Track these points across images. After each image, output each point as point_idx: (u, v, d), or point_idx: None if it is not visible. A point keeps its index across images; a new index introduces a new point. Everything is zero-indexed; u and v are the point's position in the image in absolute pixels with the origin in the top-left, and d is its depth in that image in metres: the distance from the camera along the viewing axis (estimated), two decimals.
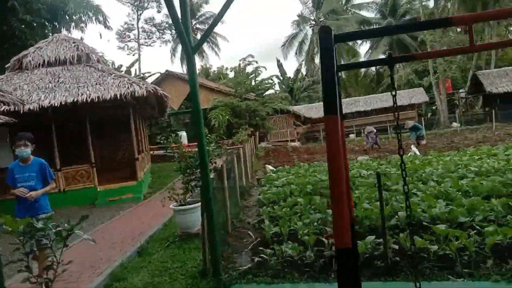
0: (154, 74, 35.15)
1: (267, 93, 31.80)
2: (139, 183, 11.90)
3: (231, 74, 43.26)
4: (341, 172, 1.74)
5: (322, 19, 46.43)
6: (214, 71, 48.46)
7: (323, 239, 5.29)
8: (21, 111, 10.20)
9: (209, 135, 7.59)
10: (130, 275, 5.16)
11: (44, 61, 13.00)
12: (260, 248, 5.47)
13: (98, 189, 11.55)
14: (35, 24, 19.98)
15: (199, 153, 4.64)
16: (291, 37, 46.62)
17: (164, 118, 28.20)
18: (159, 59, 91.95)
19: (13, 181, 4.75)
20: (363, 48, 51.32)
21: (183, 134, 25.31)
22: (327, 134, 1.78)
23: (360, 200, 7.03)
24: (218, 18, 4.51)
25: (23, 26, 18.86)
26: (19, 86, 11.65)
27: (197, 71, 38.98)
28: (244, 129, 18.87)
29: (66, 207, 10.87)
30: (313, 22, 47.47)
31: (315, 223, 6.10)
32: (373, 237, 5.11)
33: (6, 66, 14.51)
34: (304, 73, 51.79)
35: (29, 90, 11.33)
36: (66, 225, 2.67)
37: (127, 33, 49.82)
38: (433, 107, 38.91)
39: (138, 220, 8.65)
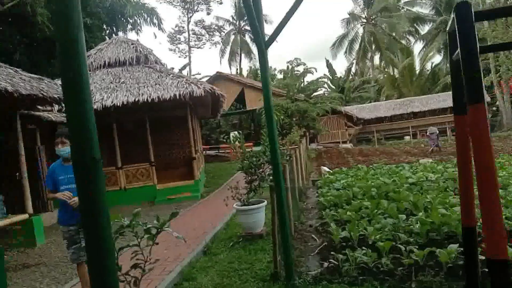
0: (205, 76, 35.73)
1: (316, 93, 31.35)
2: (196, 182, 12.01)
3: (279, 75, 43.23)
4: (493, 173, 1.49)
5: (373, 16, 45.23)
6: None
7: (400, 246, 4.97)
8: None
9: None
10: (199, 274, 5.10)
11: (105, 62, 13.47)
12: (332, 253, 5.23)
13: (157, 187, 11.78)
14: (94, 27, 20.84)
15: (270, 151, 4.49)
16: (341, 36, 45.78)
17: (214, 119, 28.58)
18: (208, 61, 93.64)
19: (54, 183, 4.30)
20: (417, 46, 49.32)
21: (234, 134, 25.53)
22: (473, 126, 1.52)
23: (433, 205, 6.61)
24: (291, 12, 4.33)
25: (83, 29, 19.72)
26: None
27: (245, 72, 39.26)
28: (296, 129, 18.62)
29: (127, 204, 11.19)
30: (364, 20, 46.36)
31: (386, 229, 5.77)
32: (456, 245, 4.73)
33: None
34: (354, 72, 50.72)
35: (92, 90, 11.74)
36: (155, 222, 2.61)
37: (178, 36, 51.00)
38: (494, 108, 36.67)
39: (199, 219, 8.66)
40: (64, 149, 4.21)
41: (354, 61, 48.59)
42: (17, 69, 7.99)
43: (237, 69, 50.96)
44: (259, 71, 46.36)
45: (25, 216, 7.78)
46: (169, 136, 14.56)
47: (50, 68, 18.84)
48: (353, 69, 50.37)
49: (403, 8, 46.40)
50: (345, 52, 46.92)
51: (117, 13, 21.33)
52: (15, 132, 8.03)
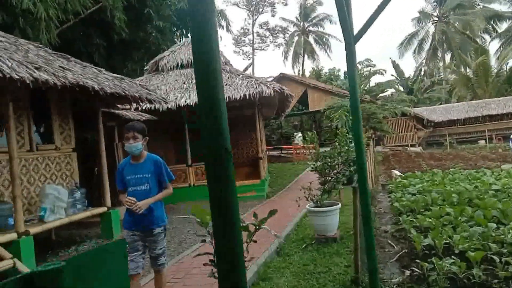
0: (268, 77, 35.85)
1: (382, 94, 30.24)
2: (262, 181, 12.03)
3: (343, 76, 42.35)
4: None
5: (446, 14, 42.89)
6: (326, 72, 47.89)
7: (493, 256, 4.57)
8: (161, 110, 10.97)
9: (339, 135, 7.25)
10: (275, 275, 5.03)
11: (177, 63, 13.93)
12: (416, 260, 4.94)
13: None
14: (166, 30, 21.63)
15: (356, 151, 4.29)
16: (411, 35, 43.92)
17: (275, 120, 28.60)
18: (271, 62, 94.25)
19: (123, 183, 3.88)
20: (493, 45, 45.86)
21: (299, 134, 25.38)
22: None
23: None
24: (383, 5, 4.13)
25: (156, 31, 20.52)
26: (158, 86, 12.60)
27: (308, 73, 38.88)
28: (364, 131, 18.03)
29: (194, 200, 11.50)
30: (436, 19, 44.10)
31: (474, 238, 5.35)
32: None
33: (145, 68, 15.91)
34: (423, 72, 48.44)
35: (166, 90, 12.19)
36: (253, 219, 2.57)
37: (243, 38, 51.77)
38: None
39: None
40: (136, 145, 3.74)
41: (424, 61, 46.40)
42: (101, 69, 8.45)
43: (299, 70, 50.77)
44: (322, 72, 45.62)
45: (104, 209, 8.20)
46: (236, 135, 14.76)
47: (125, 69, 19.88)
48: (422, 70, 48.14)
49: (479, 5, 43.50)
50: (414, 51, 44.94)
51: (187, 15, 21.97)
52: (97, 129, 8.49)
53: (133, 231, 3.82)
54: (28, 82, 5.51)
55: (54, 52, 8.12)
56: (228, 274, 1.39)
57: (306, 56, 52.00)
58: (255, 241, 2.54)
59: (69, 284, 1.19)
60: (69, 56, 8.13)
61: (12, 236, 5.91)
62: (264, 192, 11.78)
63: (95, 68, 8.27)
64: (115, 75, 8.56)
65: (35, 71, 5.84)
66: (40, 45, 8.19)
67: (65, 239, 8.26)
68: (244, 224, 2.51)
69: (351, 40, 4.13)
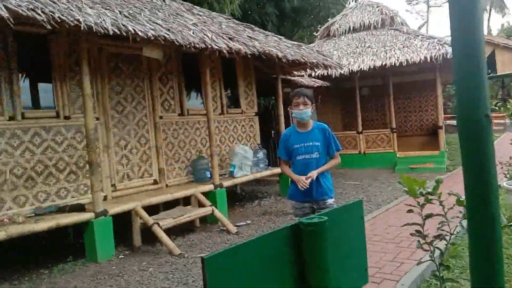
0: (445, 37, 32.25)
1: None
2: (441, 153, 11.08)
3: None
4: None
5: None
6: None
7: None
8: (333, 76, 10.94)
9: None
10: (465, 253, 4.63)
11: (349, 27, 13.55)
12: None
13: (397, 155, 11.42)
14: None
15: None
16: None
17: (453, 85, 25.69)
18: (447, 20, 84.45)
19: (288, 153, 3.73)
20: None
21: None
22: None
23: None
24: None
25: None
26: (329, 52, 12.50)
27: (495, 31, 33.46)
28: None
29: (365, 168, 11.38)
30: None
31: None
32: None
33: (316, 34, 16.01)
34: None
35: (338, 55, 12.03)
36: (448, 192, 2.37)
37: None
38: None
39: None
40: (306, 111, 3.56)
41: None
42: (281, 37, 8.79)
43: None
44: None
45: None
46: (411, 101, 13.78)
47: (294, 36, 20.37)
48: None
49: None
50: None
51: None
52: (277, 95, 8.94)
53: (303, 202, 3.69)
54: (224, 51, 6.09)
55: (240, 23, 8.76)
56: (483, 235, 1.30)
57: (493, 11, 44.77)
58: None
59: (329, 235, 1.27)
60: (253, 26, 8.67)
61: (210, 187, 6.80)
62: (444, 164, 10.82)
63: (276, 37, 8.64)
64: (293, 42, 8.83)
65: (230, 41, 6.40)
66: (229, 17, 8.92)
67: (248, 194, 9.15)
68: (461, 199, 2.31)
69: None
